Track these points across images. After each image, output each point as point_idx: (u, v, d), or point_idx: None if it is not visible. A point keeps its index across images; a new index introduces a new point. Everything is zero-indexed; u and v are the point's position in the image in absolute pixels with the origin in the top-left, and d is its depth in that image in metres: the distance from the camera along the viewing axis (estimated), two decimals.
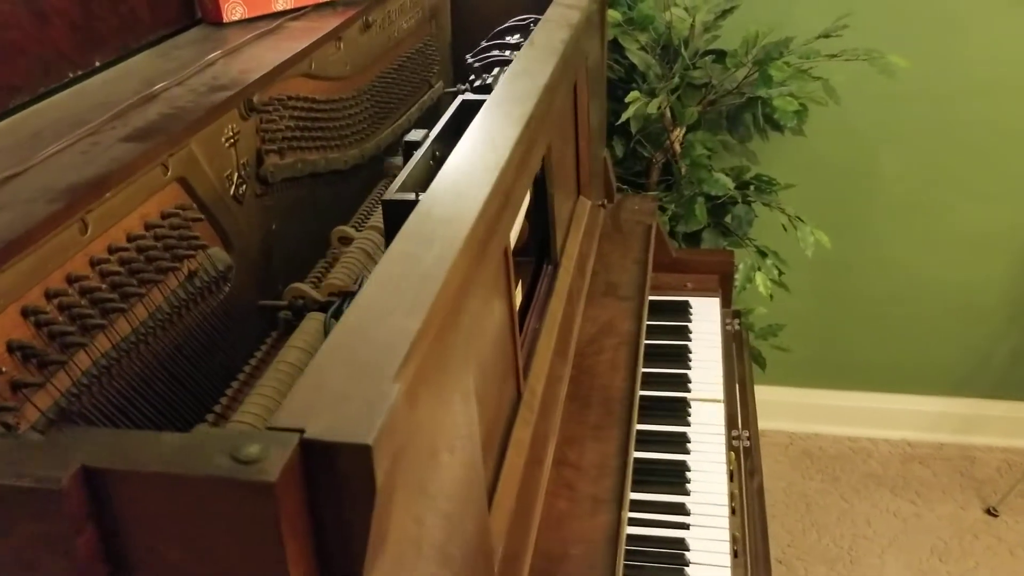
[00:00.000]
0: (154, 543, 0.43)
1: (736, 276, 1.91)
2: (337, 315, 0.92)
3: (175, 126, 0.84)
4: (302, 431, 0.43)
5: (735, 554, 1.26)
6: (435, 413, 0.62)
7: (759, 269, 1.93)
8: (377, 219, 1.16)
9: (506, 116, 0.84)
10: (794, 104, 1.81)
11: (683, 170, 1.99)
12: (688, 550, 1.21)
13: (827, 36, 1.89)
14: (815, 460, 2.59)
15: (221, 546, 0.42)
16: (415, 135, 1.11)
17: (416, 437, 0.56)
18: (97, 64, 0.99)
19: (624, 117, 1.84)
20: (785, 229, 1.98)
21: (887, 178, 2.29)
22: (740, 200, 1.96)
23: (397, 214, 0.83)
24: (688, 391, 1.53)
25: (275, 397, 0.80)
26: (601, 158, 1.80)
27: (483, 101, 0.99)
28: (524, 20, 1.48)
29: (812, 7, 2.05)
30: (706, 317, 1.76)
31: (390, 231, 0.88)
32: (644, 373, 1.54)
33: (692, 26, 1.90)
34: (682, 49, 1.88)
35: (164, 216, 0.84)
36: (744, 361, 1.77)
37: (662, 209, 1.98)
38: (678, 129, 1.98)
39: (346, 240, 1.13)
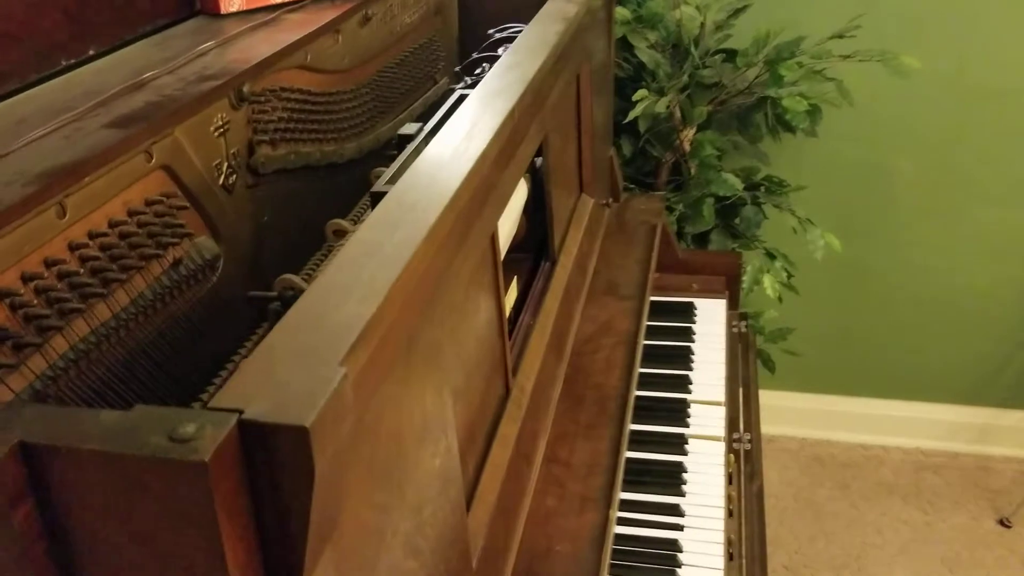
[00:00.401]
0: (90, 520, 0.43)
1: (744, 278, 1.90)
2: None
3: (159, 114, 0.84)
4: (241, 412, 0.42)
5: (730, 557, 1.24)
6: (400, 402, 0.61)
7: (767, 271, 1.91)
8: None
9: (487, 107, 0.83)
10: (804, 104, 1.79)
11: (692, 170, 1.97)
12: (681, 551, 1.20)
13: (840, 36, 1.87)
14: (826, 466, 2.56)
15: (156, 526, 0.42)
16: (409, 128, 1.11)
17: (374, 425, 0.56)
18: (91, 53, 0.99)
19: (632, 116, 1.83)
20: (795, 231, 1.96)
21: (901, 181, 2.26)
22: (749, 201, 1.94)
23: None
24: (688, 392, 1.52)
25: None
26: (607, 157, 1.79)
27: None
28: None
29: (825, 7, 2.03)
30: (711, 319, 1.75)
31: None
32: (644, 374, 1.53)
33: (702, 25, 1.88)
34: (692, 48, 1.86)
35: (148, 203, 0.84)
36: (749, 364, 1.76)
37: (670, 209, 1.96)
38: (687, 129, 1.96)
39: (341, 233, 1.13)
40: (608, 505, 1.06)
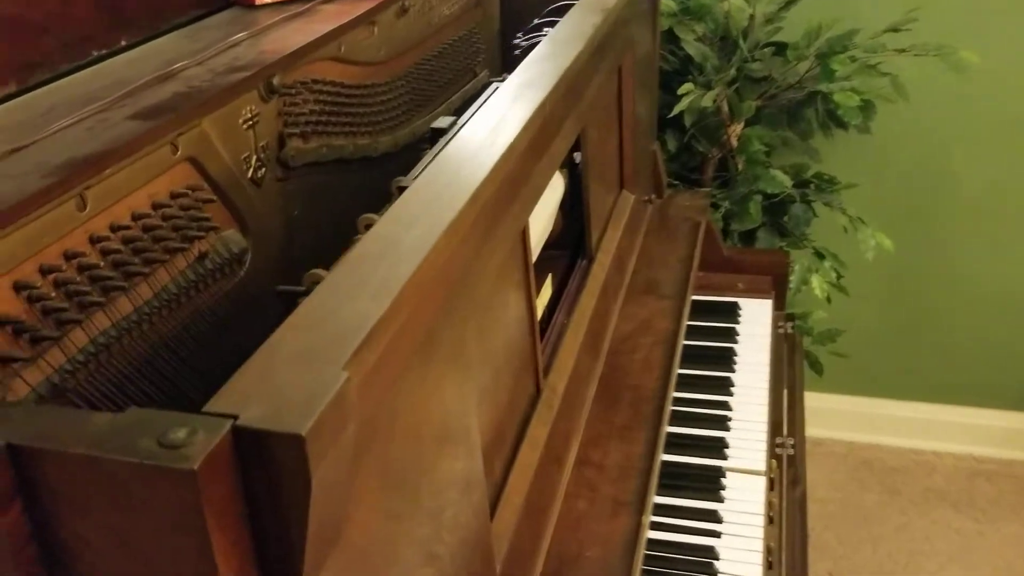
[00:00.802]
0: (80, 525, 0.41)
1: (791, 278, 1.84)
2: None
3: (186, 105, 0.82)
4: (235, 417, 0.40)
5: (769, 565, 1.20)
6: (417, 404, 0.59)
7: (816, 271, 1.85)
8: None
9: (517, 99, 0.80)
10: (855, 99, 1.73)
11: (739, 166, 1.92)
12: (717, 559, 1.16)
13: (895, 30, 1.81)
14: (874, 471, 2.49)
15: (146, 533, 0.40)
16: (442, 122, 1.09)
17: (387, 427, 0.53)
18: (123, 44, 0.99)
19: (677, 110, 1.78)
20: (846, 231, 1.90)
21: (957, 180, 2.18)
22: (798, 199, 1.88)
23: None
24: (730, 395, 1.48)
25: None
26: (650, 151, 1.75)
27: None
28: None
29: None
30: (756, 319, 1.70)
31: None
32: (685, 375, 1.49)
33: (752, 16, 1.83)
34: (740, 40, 1.81)
35: (173, 196, 0.83)
36: (795, 366, 1.71)
37: (715, 206, 1.92)
38: (735, 124, 1.91)
39: None
40: (641, 510, 1.03)
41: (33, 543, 0.42)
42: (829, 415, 2.50)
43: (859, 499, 2.40)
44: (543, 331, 1.15)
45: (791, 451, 1.46)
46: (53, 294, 0.69)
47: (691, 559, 1.15)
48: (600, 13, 1.08)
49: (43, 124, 0.78)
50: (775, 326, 1.71)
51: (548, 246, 1.27)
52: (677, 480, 1.28)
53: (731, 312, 1.71)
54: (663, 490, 1.23)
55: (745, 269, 1.79)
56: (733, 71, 1.80)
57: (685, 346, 1.56)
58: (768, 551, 1.20)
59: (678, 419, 1.39)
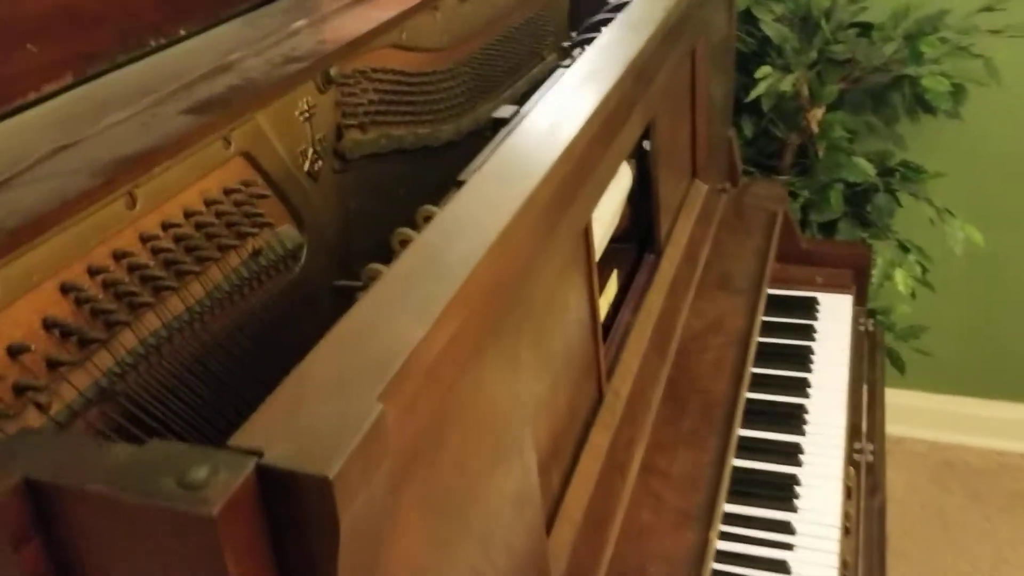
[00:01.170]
0: (100, 562, 0.39)
1: (873, 272, 1.76)
2: None
3: (240, 99, 0.80)
4: (260, 454, 0.37)
5: None
6: (466, 424, 0.55)
7: (900, 265, 1.76)
8: None
9: (578, 92, 0.76)
10: (946, 84, 1.63)
11: (819, 153, 1.84)
12: (789, 573, 1.10)
13: (989, 10, 1.69)
14: (957, 474, 2.38)
15: (166, 573, 0.37)
16: (504, 111, 1.05)
17: (431, 454, 0.50)
18: (182, 33, 0.97)
19: (754, 94, 1.71)
20: (932, 223, 1.80)
21: None
22: (882, 188, 1.79)
23: None
24: (807, 396, 1.41)
25: None
26: (725, 138, 1.68)
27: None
28: None
29: None
30: (835, 315, 1.62)
31: None
32: (759, 375, 1.43)
33: None
34: (823, 21, 1.72)
35: (226, 192, 0.80)
36: (876, 366, 1.63)
37: (794, 195, 1.83)
38: (815, 108, 1.82)
39: None
40: (709, 524, 0.98)
41: None
42: (910, 412, 2.40)
43: (940, 503, 2.30)
44: (607, 331, 1.10)
45: (870, 458, 1.39)
46: (101, 296, 0.67)
47: (762, 572, 1.09)
48: None
49: (95, 119, 0.76)
50: (855, 322, 1.63)
51: (615, 240, 1.22)
52: (748, 487, 1.22)
53: (809, 308, 1.63)
54: (733, 498, 1.18)
55: (824, 262, 1.71)
56: (814, 53, 1.71)
57: (759, 344, 1.49)
58: (844, 565, 1.14)
59: (751, 422, 1.33)
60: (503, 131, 0.99)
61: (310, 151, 0.92)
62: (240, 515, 0.36)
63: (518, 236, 0.57)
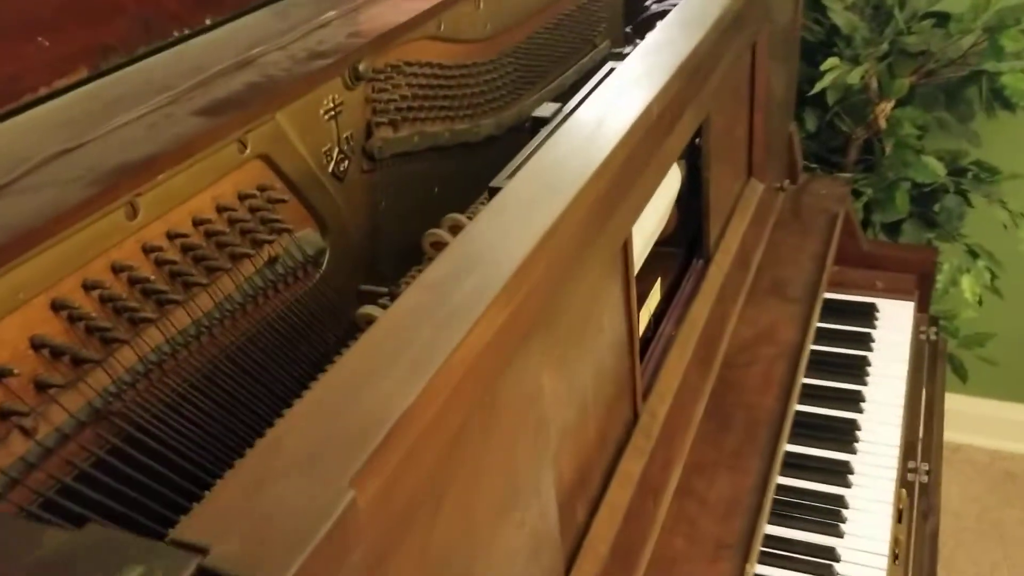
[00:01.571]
0: None
1: (938, 278, 1.66)
2: None
3: (257, 99, 0.76)
4: (205, 552, 0.32)
5: None
6: (473, 473, 0.50)
7: (967, 271, 1.66)
8: None
9: (622, 98, 0.70)
10: None
11: (886, 150, 1.74)
12: None
13: None
14: (1019, 484, 2.27)
15: None
16: (545, 110, 0.99)
17: (431, 508, 0.45)
18: (207, 23, 0.92)
19: (819, 87, 1.62)
20: (1005, 227, 1.69)
21: None
22: (952, 189, 1.68)
23: None
24: (860, 411, 1.33)
25: None
26: (786, 133, 1.60)
27: None
28: None
29: None
30: (895, 324, 1.54)
31: None
32: (810, 386, 1.36)
33: None
34: (896, 10, 1.62)
35: (241, 197, 0.76)
36: (936, 379, 1.54)
37: (857, 193, 1.74)
38: (884, 102, 1.72)
39: (457, 230, 1.03)
40: (746, 556, 0.92)
41: None
42: (970, 419, 2.29)
43: (998, 515, 2.19)
44: (647, 344, 1.04)
45: (924, 478, 1.31)
46: (97, 312, 0.64)
47: None
48: None
49: (104, 119, 0.72)
50: (916, 331, 1.55)
51: (661, 242, 1.16)
52: (792, 509, 1.15)
53: (867, 314, 1.55)
54: (775, 519, 1.12)
55: (886, 266, 1.62)
56: (886, 44, 1.61)
57: (813, 352, 1.42)
58: None
59: (799, 437, 1.26)
60: (542, 133, 0.93)
61: (335, 151, 0.88)
62: None
63: (540, 267, 0.52)
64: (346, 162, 0.90)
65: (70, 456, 0.61)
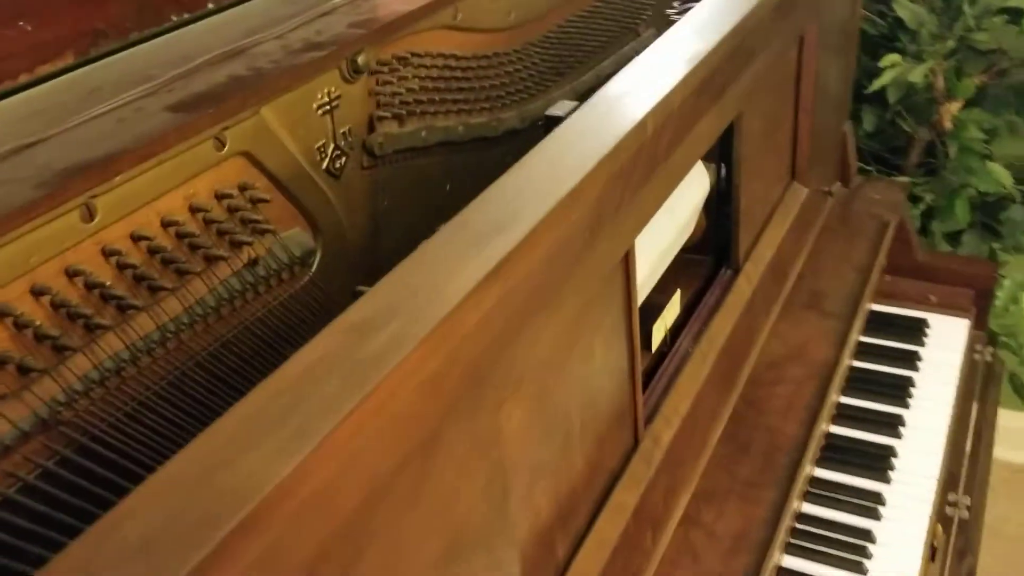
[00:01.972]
0: None
1: (998, 294, 1.55)
2: None
3: (237, 93, 0.71)
4: None
5: None
6: (397, 537, 0.46)
7: None
8: None
9: (613, 109, 0.63)
10: None
11: (950, 154, 1.63)
12: None
13: None
14: None
15: None
16: (560, 108, 0.93)
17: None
18: (210, 7, 0.89)
19: (876, 85, 1.52)
20: None
21: None
22: (1019, 199, 1.57)
23: None
24: (898, 437, 1.25)
25: None
26: (838, 133, 1.50)
27: None
28: None
29: None
30: (946, 343, 1.44)
31: None
32: (846, 406, 1.28)
33: None
34: (966, 5, 1.50)
35: (219, 197, 0.72)
36: (988, 404, 1.44)
37: (915, 199, 1.64)
38: (950, 103, 1.61)
39: None
40: None
41: None
42: None
43: None
44: (660, 360, 0.98)
45: (965, 513, 1.22)
46: (47, 319, 0.61)
47: None
48: None
49: (77, 110, 0.69)
50: (970, 350, 1.45)
51: (686, 249, 1.09)
52: (814, 541, 1.08)
53: (917, 330, 1.45)
54: (793, 550, 1.05)
55: (942, 278, 1.52)
56: (953, 41, 1.50)
57: (853, 369, 1.34)
58: None
59: (829, 461, 1.19)
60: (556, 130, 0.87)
61: (331, 147, 0.84)
62: None
63: (487, 303, 0.46)
64: (343, 158, 0.85)
65: (12, 468, 0.59)
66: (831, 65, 1.40)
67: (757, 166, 1.12)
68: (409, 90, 0.91)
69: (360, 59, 0.83)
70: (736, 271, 1.11)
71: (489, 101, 1.05)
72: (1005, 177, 1.54)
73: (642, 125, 0.61)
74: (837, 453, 1.21)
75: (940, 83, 1.59)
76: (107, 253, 0.64)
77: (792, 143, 1.27)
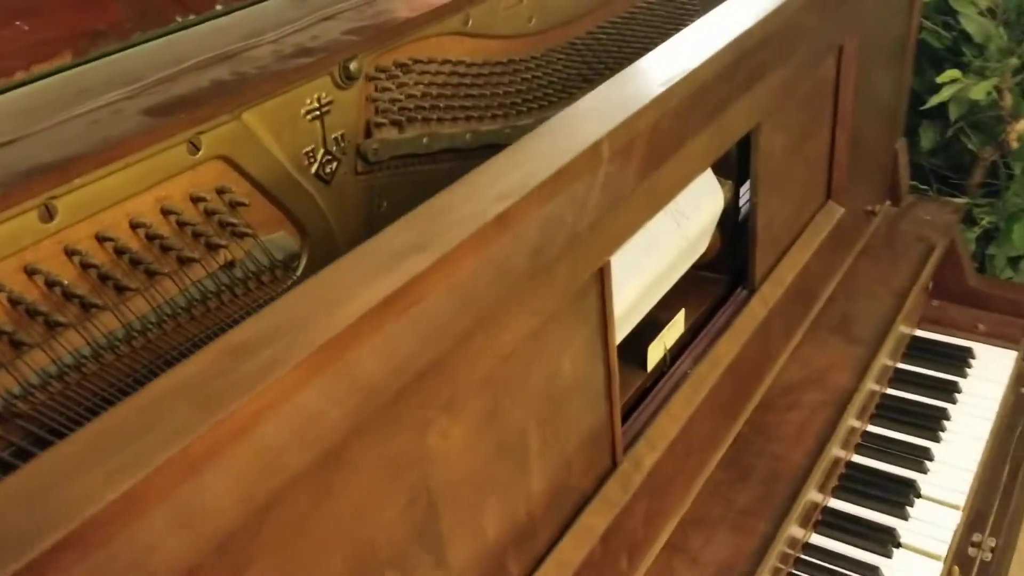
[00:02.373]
0: None
1: None
2: None
3: (215, 99, 0.72)
4: None
5: None
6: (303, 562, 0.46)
7: None
8: None
9: (583, 124, 0.62)
10: None
11: (1014, 174, 1.54)
12: None
13: None
14: None
15: None
16: None
17: None
18: (218, 9, 0.90)
19: (932, 102, 1.44)
20: None
21: None
22: None
23: None
24: (923, 471, 1.19)
25: None
26: (888, 149, 1.44)
27: None
28: None
29: None
30: (990, 375, 1.37)
31: None
32: (872, 434, 1.23)
33: None
34: None
35: (194, 200, 0.73)
36: None
37: (972, 221, 1.56)
38: (1018, 122, 1.53)
39: None
40: None
41: None
42: None
43: None
44: (657, 381, 0.96)
45: (988, 556, 1.16)
46: (4, 314, 0.63)
47: None
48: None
49: (59, 111, 0.71)
50: (1015, 385, 1.37)
51: (700, 267, 1.06)
52: (817, 573, 1.04)
53: (960, 360, 1.38)
54: None
55: (992, 306, 1.44)
56: (1016, 59, 1.42)
57: (887, 396, 1.28)
58: None
59: (846, 491, 1.14)
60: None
61: (320, 152, 0.84)
62: None
63: (390, 320, 0.46)
64: (334, 164, 0.85)
65: None
66: (881, 79, 1.34)
67: (780, 183, 1.08)
68: (410, 96, 0.91)
69: (353, 65, 0.83)
70: (751, 291, 1.07)
71: (503, 108, 1.04)
72: None
73: (595, 148, 0.59)
74: (858, 484, 1.16)
75: (1008, 101, 1.51)
76: (69, 252, 0.66)
77: (828, 160, 1.22)
